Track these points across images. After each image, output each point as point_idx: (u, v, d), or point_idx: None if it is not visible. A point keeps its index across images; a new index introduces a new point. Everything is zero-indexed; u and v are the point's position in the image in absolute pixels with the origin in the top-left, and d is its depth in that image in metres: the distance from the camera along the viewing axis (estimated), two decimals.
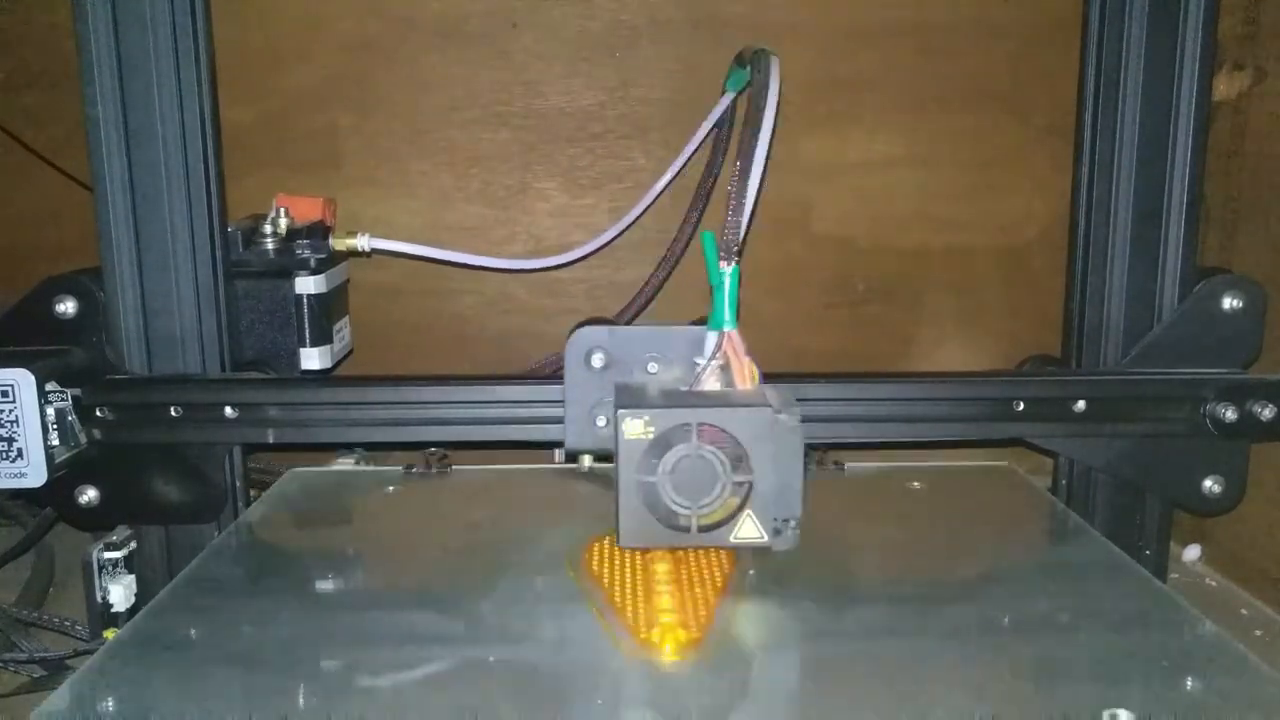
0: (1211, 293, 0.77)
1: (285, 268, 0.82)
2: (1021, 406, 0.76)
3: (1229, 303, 0.77)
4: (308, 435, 0.77)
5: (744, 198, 0.68)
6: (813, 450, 0.94)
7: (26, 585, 0.86)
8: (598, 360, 0.71)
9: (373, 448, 0.94)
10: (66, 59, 0.76)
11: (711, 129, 0.93)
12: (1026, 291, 1.04)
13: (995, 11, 0.99)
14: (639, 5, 0.99)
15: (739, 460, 0.62)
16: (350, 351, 0.90)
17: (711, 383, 0.67)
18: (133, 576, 0.77)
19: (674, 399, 0.66)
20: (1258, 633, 0.82)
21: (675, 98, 1.00)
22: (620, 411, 0.62)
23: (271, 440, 0.77)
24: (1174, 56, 0.77)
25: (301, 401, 0.76)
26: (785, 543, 0.64)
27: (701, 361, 0.68)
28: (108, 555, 0.76)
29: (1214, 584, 0.90)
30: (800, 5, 0.99)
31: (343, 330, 0.87)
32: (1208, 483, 0.77)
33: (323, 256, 0.83)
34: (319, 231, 0.84)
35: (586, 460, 0.87)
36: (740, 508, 0.63)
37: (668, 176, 0.93)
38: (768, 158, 0.69)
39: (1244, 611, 0.85)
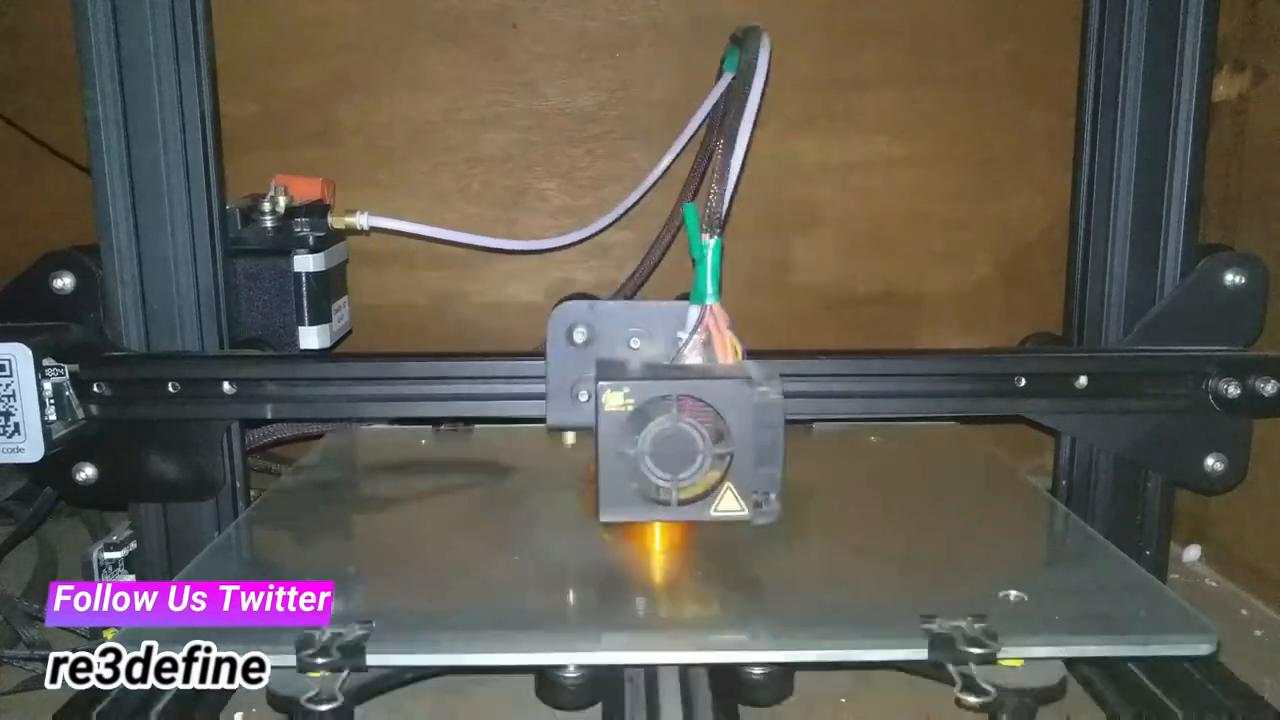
0: (1213, 269, 0.77)
1: (284, 246, 0.82)
2: (1023, 383, 0.75)
3: (1231, 279, 0.76)
4: (305, 411, 0.77)
5: (729, 170, 0.67)
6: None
7: (29, 586, 0.86)
8: (579, 335, 0.70)
9: (370, 423, 0.96)
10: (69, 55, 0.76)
11: (710, 111, 0.92)
12: (1026, 292, 1.04)
13: (995, 11, 1.00)
14: (639, 5, 1.00)
15: (719, 433, 0.62)
16: (349, 331, 0.90)
17: (694, 357, 0.67)
18: (132, 577, 0.76)
19: (655, 372, 0.65)
20: (1258, 633, 0.82)
21: (675, 98, 1.00)
22: (600, 384, 0.62)
23: (269, 416, 0.76)
24: (1174, 56, 0.77)
25: (299, 377, 0.76)
26: (765, 516, 0.63)
27: (684, 336, 0.68)
28: (108, 555, 0.76)
29: (1214, 584, 0.90)
30: (800, 5, 1.00)
31: (341, 309, 0.86)
32: (1210, 460, 0.76)
33: (321, 235, 0.83)
34: (318, 210, 0.84)
35: (569, 437, 0.88)
36: (720, 481, 0.62)
37: (668, 159, 0.92)
38: (753, 134, 0.69)
39: (1244, 611, 0.85)
